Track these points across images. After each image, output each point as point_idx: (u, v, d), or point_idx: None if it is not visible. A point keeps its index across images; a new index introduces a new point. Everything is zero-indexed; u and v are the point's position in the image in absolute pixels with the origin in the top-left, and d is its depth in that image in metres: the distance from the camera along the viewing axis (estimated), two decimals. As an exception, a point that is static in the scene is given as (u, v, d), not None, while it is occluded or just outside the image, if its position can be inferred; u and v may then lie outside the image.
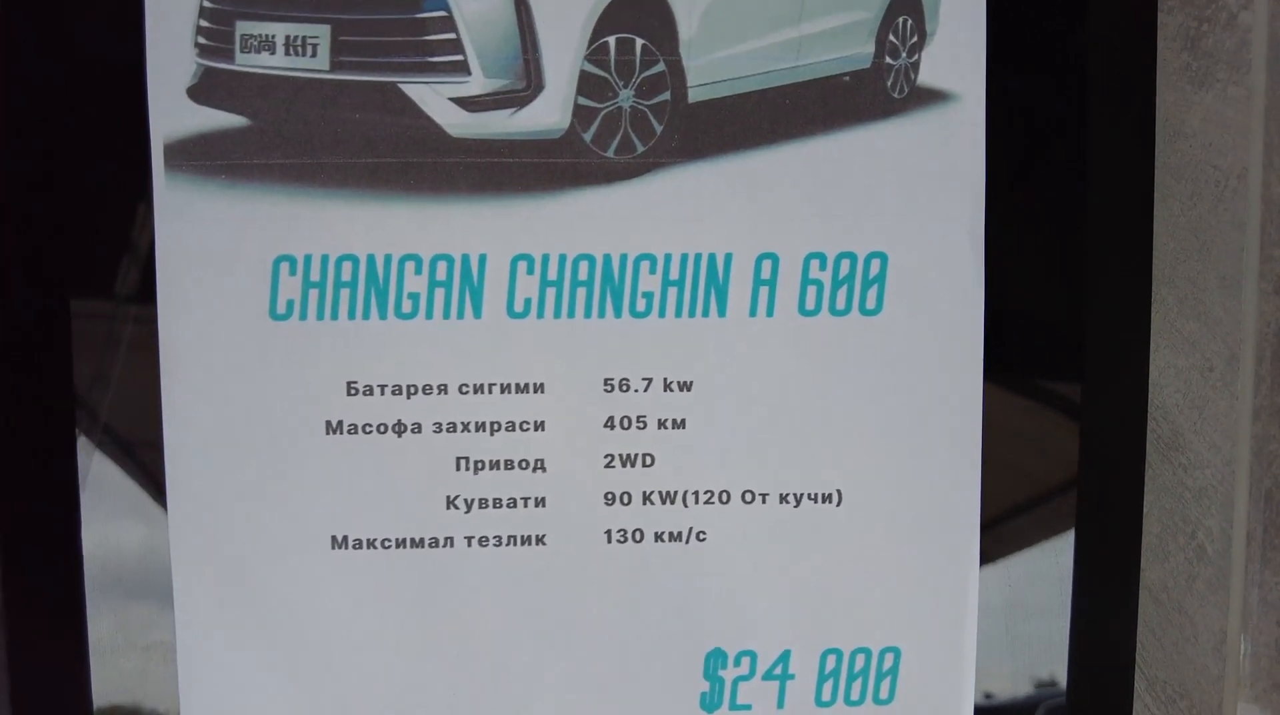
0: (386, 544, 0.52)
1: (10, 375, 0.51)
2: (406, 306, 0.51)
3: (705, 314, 0.51)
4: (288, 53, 0.51)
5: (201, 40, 0.51)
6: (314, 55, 0.51)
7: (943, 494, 0.53)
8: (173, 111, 0.51)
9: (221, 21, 0.51)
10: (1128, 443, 0.54)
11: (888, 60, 0.52)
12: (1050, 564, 0.55)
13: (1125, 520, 0.54)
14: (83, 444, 0.52)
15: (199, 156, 0.51)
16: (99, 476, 0.53)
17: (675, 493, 0.52)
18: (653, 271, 0.51)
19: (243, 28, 0.51)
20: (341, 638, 0.52)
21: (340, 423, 0.51)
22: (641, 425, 0.52)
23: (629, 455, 0.52)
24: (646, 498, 0.52)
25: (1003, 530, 0.54)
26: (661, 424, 0.52)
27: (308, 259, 0.51)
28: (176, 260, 0.51)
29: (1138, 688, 0.55)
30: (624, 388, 0.52)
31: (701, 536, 0.52)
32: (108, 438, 0.53)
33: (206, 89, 0.51)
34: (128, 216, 0.51)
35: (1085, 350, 0.54)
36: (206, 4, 0.51)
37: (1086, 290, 0.54)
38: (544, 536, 0.52)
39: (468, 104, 0.51)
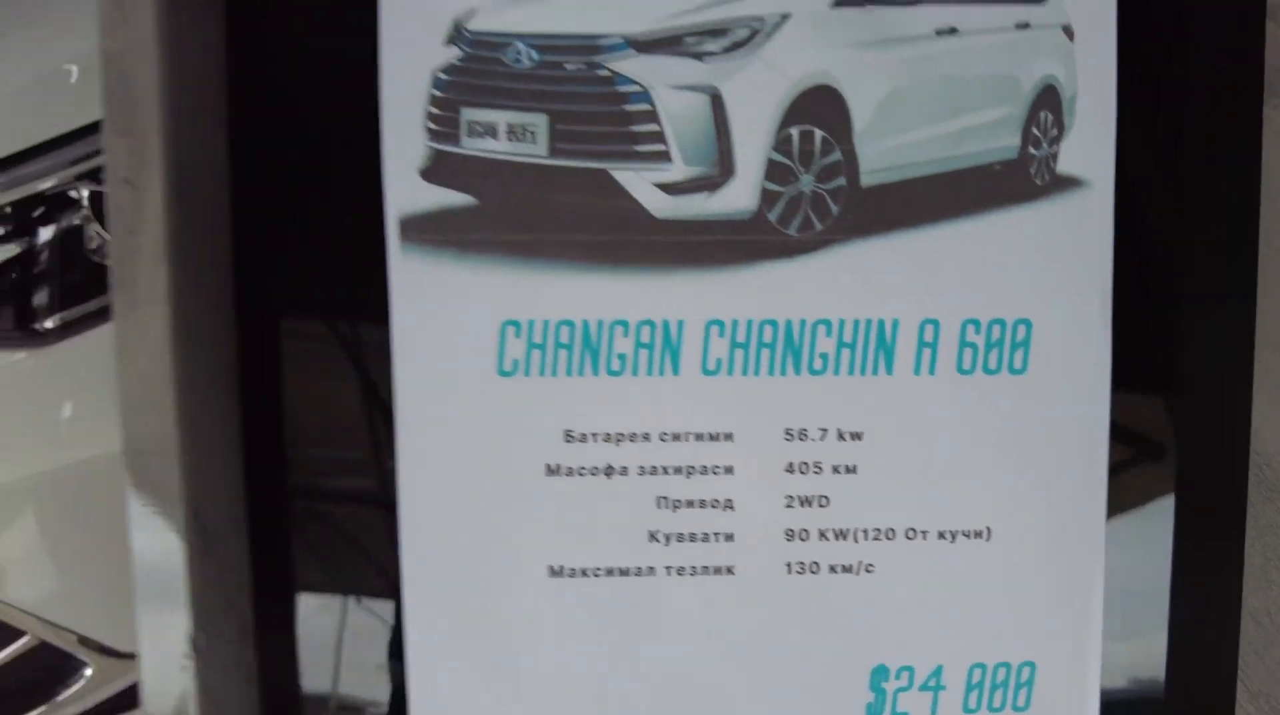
0: (597, 572, 0.59)
1: (258, 433, 0.58)
2: (616, 365, 0.58)
3: (875, 372, 0.59)
4: (509, 139, 0.58)
5: (432, 126, 0.57)
6: (533, 142, 0.58)
7: (1074, 528, 0.60)
8: (407, 190, 0.57)
9: (449, 109, 0.58)
10: (1230, 489, 0.62)
11: (1031, 151, 0.59)
12: (1153, 586, 0.63)
13: (1227, 555, 0.62)
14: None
15: (431, 231, 0.57)
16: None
17: (847, 530, 0.59)
18: (829, 334, 0.59)
19: (468, 115, 0.58)
20: (556, 655, 0.59)
21: (559, 466, 0.58)
22: (818, 470, 0.59)
23: (807, 497, 0.59)
24: (822, 534, 0.59)
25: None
26: (835, 469, 0.59)
27: (530, 323, 0.58)
28: (412, 324, 0.57)
29: (1240, 699, 0.63)
30: (802, 437, 0.59)
31: (870, 568, 0.60)
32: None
33: (437, 170, 0.57)
34: (366, 284, 0.58)
35: (1193, 402, 0.62)
36: (436, 93, 0.57)
37: (1196, 350, 0.61)
38: (732, 567, 0.59)
39: (669, 188, 0.58)
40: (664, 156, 0.57)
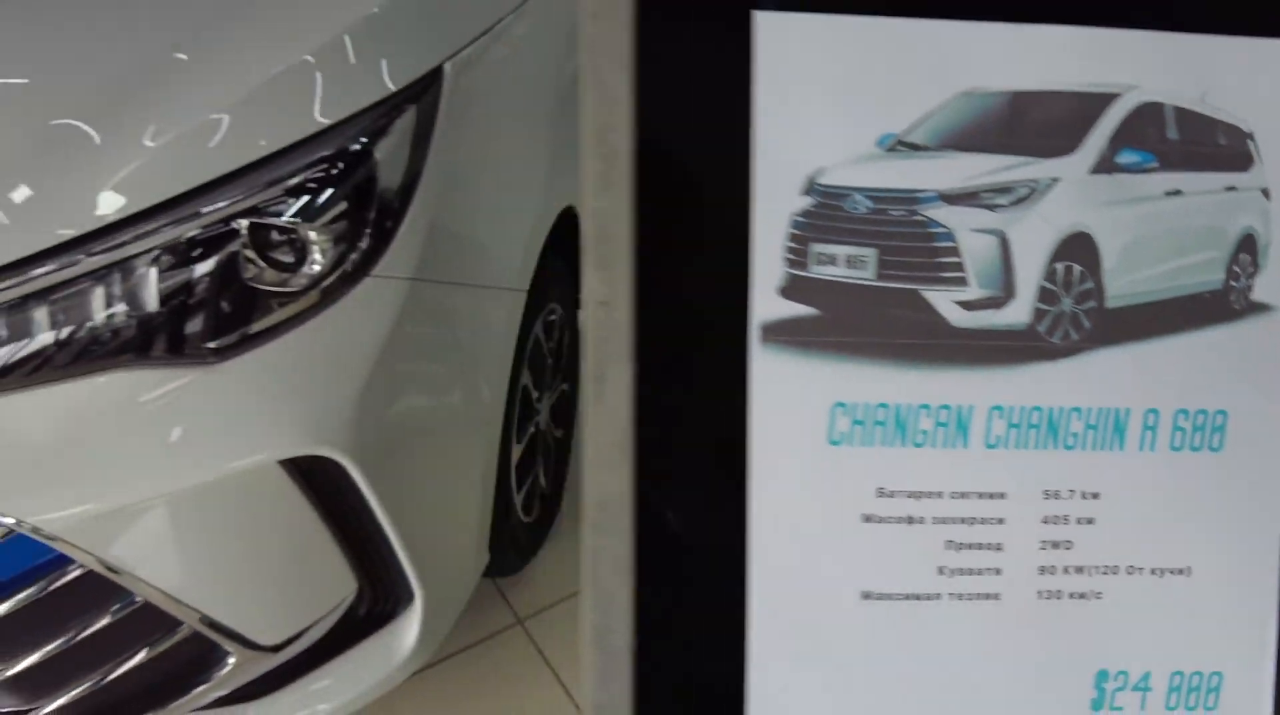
0: (897, 597, 0.77)
1: (659, 485, 0.76)
2: (919, 438, 0.76)
3: (1111, 448, 0.77)
4: (847, 266, 0.76)
5: (789, 256, 0.75)
6: (865, 269, 0.76)
7: (1255, 569, 0.80)
8: (768, 304, 0.75)
9: (802, 243, 0.76)
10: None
11: (1232, 283, 0.78)
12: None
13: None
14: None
15: (783, 334, 0.75)
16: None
17: (1084, 567, 0.78)
18: (1079, 419, 0.77)
19: (816, 248, 0.76)
20: (865, 657, 0.78)
21: (872, 515, 0.77)
22: (1065, 522, 0.78)
23: (1056, 541, 0.78)
24: (1065, 570, 0.78)
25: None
26: (1079, 521, 0.78)
27: (855, 405, 0.76)
28: (765, 403, 0.76)
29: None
30: (1056, 496, 0.77)
31: (1099, 596, 0.78)
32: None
33: (791, 289, 0.75)
34: (730, 376, 0.76)
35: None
36: (793, 231, 0.75)
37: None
38: (998, 595, 0.78)
39: (965, 305, 0.76)
40: (962, 282, 0.76)
